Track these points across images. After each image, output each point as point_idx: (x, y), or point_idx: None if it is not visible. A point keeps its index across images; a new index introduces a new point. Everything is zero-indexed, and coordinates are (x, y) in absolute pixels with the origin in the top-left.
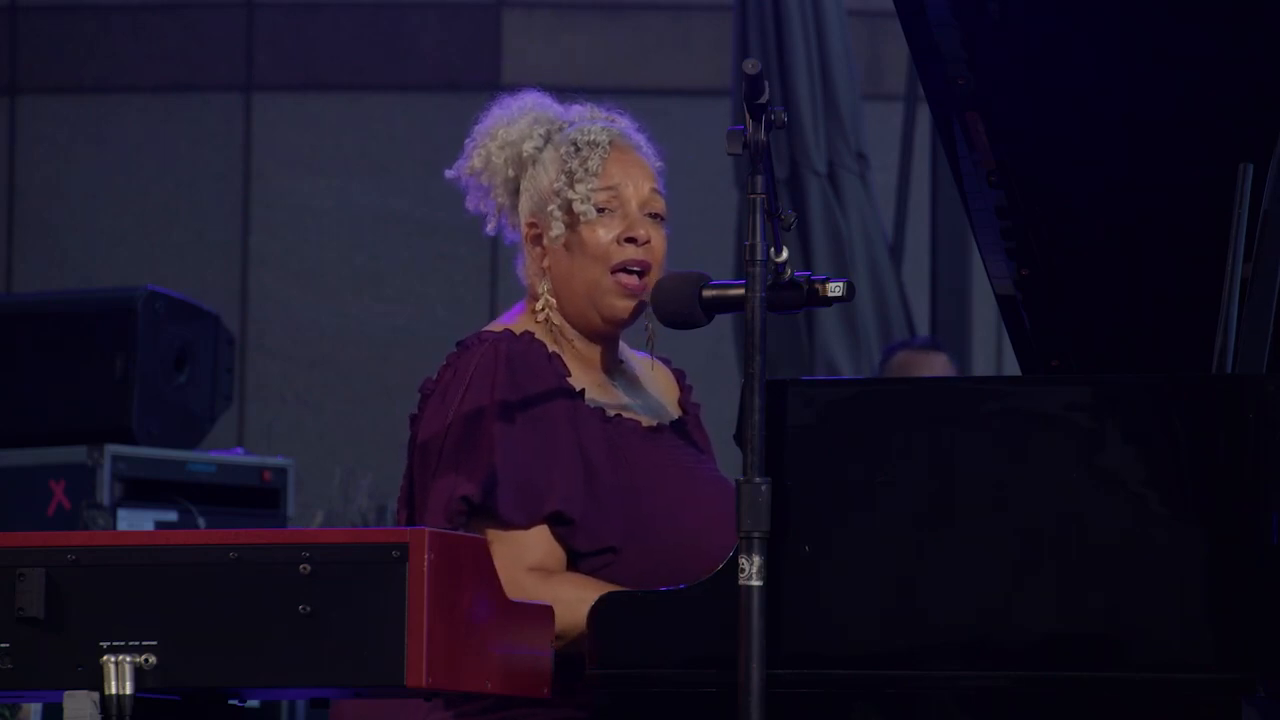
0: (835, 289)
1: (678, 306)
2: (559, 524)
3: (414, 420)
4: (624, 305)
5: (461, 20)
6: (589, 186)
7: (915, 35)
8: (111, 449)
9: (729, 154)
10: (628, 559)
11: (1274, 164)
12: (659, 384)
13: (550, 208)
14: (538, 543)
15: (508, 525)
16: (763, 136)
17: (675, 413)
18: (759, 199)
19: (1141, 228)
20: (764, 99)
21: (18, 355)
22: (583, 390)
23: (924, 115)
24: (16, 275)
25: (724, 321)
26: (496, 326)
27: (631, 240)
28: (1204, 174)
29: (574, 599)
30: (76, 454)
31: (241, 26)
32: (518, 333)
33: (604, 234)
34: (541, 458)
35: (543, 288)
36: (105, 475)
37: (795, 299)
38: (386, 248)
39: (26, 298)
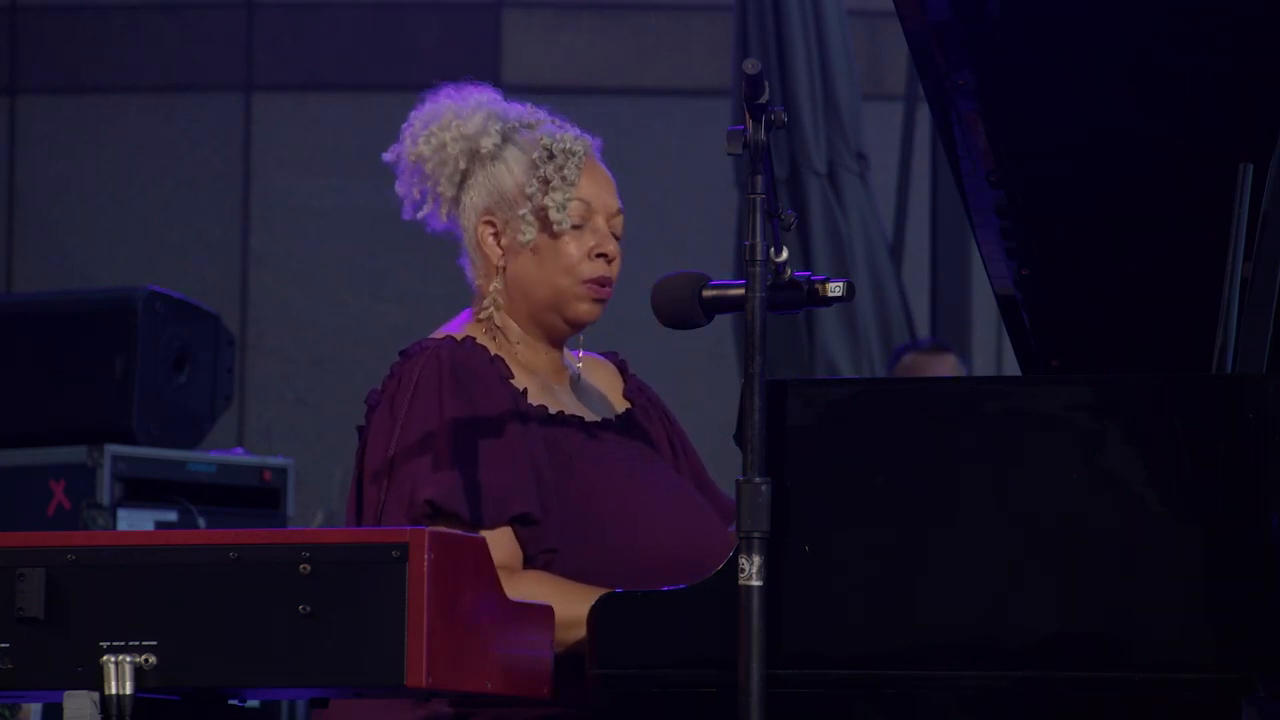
0: (835, 289)
1: (678, 306)
2: (525, 524)
3: (361, 432)
4: (590, 310)
5: (461, 20)
6: (565, 196)
7: (915, 35)
8: (111, 449)
9: (729, 154)
10: (564, 558)
11: (1274, 164)
12: (600, 379)
13: (522, 211)
14: (502, 543)
15: (474, 527)
16: (763, 136)
17: (619, 406)
18: (759, 199)
19: (1141, 227)
20: (764, 99)
21: (18, 355)
22: (525, 391)
23: (924, 115)
24: (16, 275)
25: (724, 321)
26: (438, 334)
27: (602, 256)
28: (1204, 174)
29: (533, 596)
30: (76, 454)
31: (241, 26)
32: (459, 339)
33: (576, 249)
34: (496, 460)
35: (493, 286)
36: (105, 475)
37: (795, 299)
38: (386, 248)
39: (26, 298)
